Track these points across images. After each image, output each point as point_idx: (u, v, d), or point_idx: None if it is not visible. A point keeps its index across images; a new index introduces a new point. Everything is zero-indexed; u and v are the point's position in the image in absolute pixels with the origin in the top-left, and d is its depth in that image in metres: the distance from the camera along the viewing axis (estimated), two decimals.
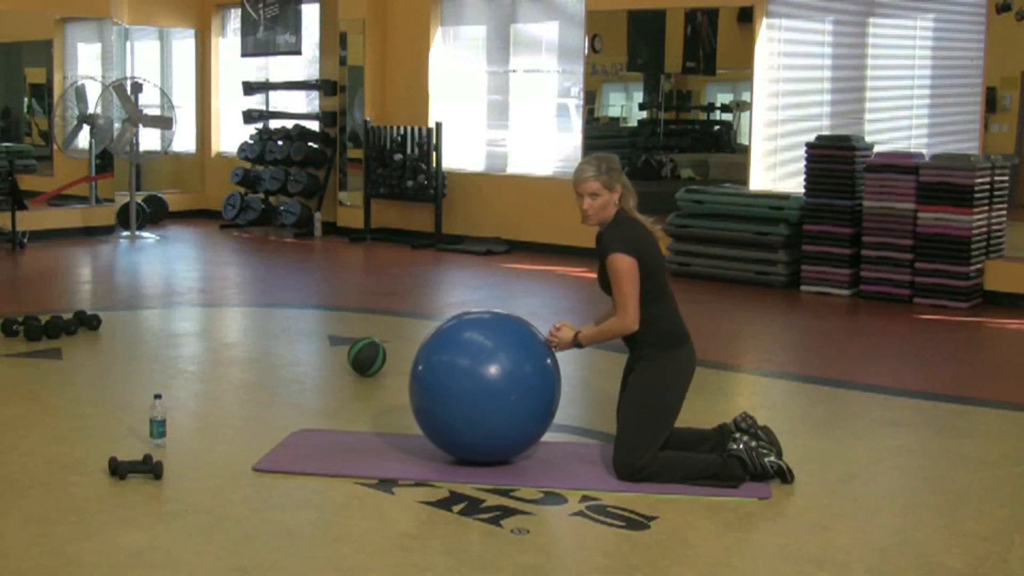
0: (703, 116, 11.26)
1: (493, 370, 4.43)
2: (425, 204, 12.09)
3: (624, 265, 4.46)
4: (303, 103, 13.42)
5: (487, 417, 4.44)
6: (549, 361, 4.59)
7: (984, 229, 8.88)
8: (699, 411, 5.47)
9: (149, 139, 12.67)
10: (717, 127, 11.17)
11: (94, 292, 9.43)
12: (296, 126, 12.99)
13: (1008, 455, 5.04)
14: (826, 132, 9.76)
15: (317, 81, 13.00)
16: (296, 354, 7.00)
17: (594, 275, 4.86)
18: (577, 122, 11.54)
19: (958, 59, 9.27)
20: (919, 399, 6.04)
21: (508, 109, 12.11)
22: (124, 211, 12.40)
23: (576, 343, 4.58)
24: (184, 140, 14.01)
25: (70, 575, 3.62)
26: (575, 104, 11.60)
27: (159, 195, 13.52)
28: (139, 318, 8.17)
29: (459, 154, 12.22)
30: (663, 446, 4.52)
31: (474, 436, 4.49)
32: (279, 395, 5.94)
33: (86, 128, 12.30)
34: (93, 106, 12.36)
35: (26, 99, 14.17)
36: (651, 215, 4.71)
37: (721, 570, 3.77)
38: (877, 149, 9.44)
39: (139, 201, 12.52)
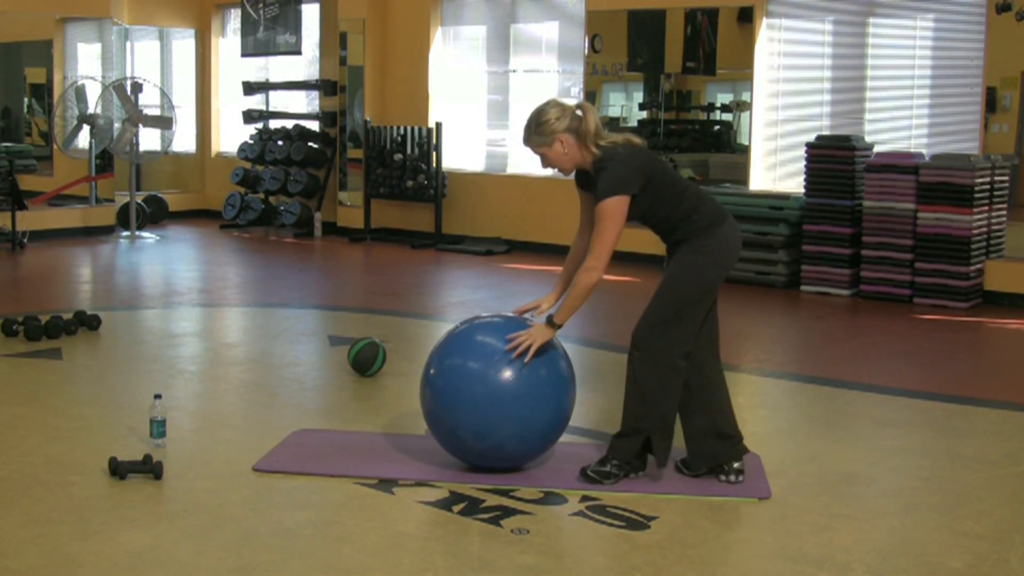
0: (703, 116, 11.26)
1: (507, 375, 4.33)
2: (425, 204, 12.09)
3: (615, 210, 4.23)
4: (303, 103, 13.42)
5: (499, 425, 4.39)
6: (564, 365, 4.51)
7: (984, 229, 8.88)
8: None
9: (149, 139, 12.67)
10: (717, 127, 11.17)
11: (94, 292, 9.44)
12: (296, 126, 12.99)
13: (1008, 455, 5.04)
14: (826, 132, 9.76)
15: (317, 81, 13.00)
16: (296, 354, 7.00)
17: None
18: None
19: (958, 59, 9.27)
20: (919, 399, 6.03)
21: (508, 109, 12.11)
22: (124, 211, 12.40)
23: (553, 327, 4.33)
24: (184, 140, 14.02)
25: (70, 575, 3.63)
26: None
27: (159, 195, 13.52)
28: (139, 318, 8.17)
29: (459, 154, 12.22)
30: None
31: (485, 444, 4.44)
32: (279, 395, 5.94)
33: (86, 128, 12.30)
34: (93, 106, 12.37)
35: (26, 99, 14.18)
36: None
37: (721, 570, 3.77)
38: (877, 149, 9.44)
39: (139, 201, 12.52)
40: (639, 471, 4.50)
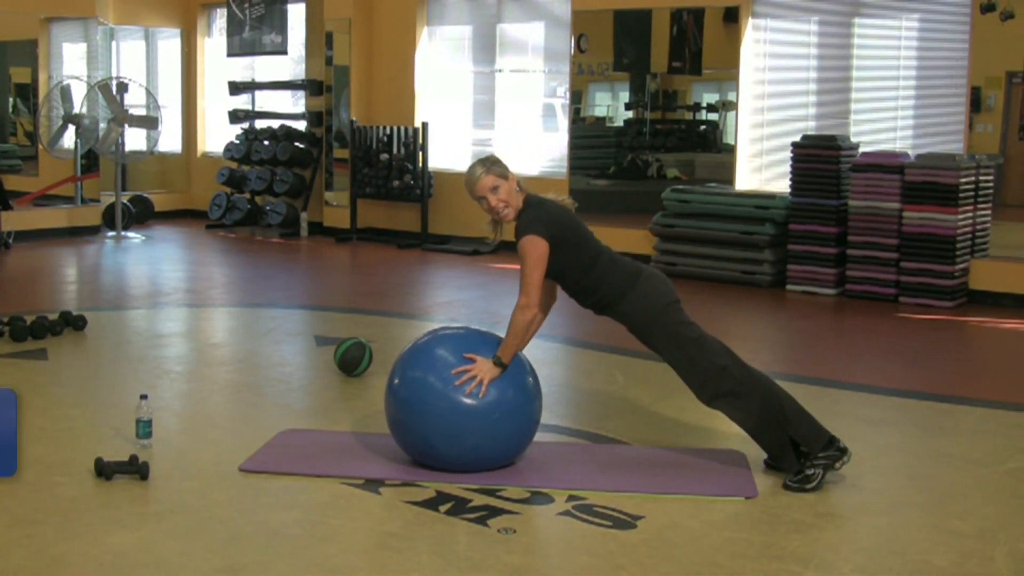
0: (689, 116, 11.28)
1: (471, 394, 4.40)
2: (411, 204, 12.08)
3: (532, 248, 4.46)
4: (289, 103, 13.39)
5: (466, 437, 4.42)
6: (531, 380, 4.58)
7: (969, 228, 8.91)
8: (686, 410, 5.48)
9: (135, 139, 12.63)
10: (703, 127, 11.19)
11: (80, 292, 9.41)
12: (282, 126, 12.96)
13: (993, 453, 5.06)
14: (812, 132, 9.77)
15: (303, 81, 12.98)
16: (282, 354, 6.99)
17: None
18: (563, 122, 11.54)
19: (943, 59, 9.30)
20: (905, 398, 6.06)
21: (494, 109, 12.11)
22: (110, 211, 12.36)
23: (500, 365, 4.44)
24: (170, 140, 13.97)
25: None
26: (561, 104, 11.61)
27: (145, 195, 13.47)
28: (125, 318, 8.14)
29: (445, 154, 12.21)
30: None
31: (453, 453, 4.46)
32: (265, 395, 5.93)
33: (71, 128, 12.26)
34: (78, 106, 12.32)
35: (11, 99, 14.11)
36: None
37: (707, 569, 3.77)
38: (863, 149, 9.46)
39: (125, 201, 12.48)
40: (836, 460, 4.50)
